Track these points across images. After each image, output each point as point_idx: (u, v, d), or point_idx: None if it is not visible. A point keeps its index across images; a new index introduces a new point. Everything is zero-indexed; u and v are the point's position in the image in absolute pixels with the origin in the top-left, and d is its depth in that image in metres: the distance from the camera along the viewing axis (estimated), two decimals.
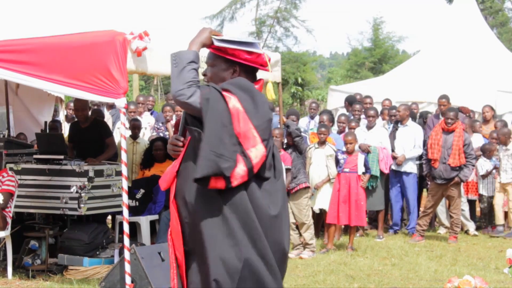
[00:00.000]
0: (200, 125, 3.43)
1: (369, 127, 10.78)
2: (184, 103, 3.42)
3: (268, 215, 3.49)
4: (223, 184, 3.40)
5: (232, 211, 3.44)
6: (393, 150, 10.78)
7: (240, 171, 3.39)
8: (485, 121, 12.30)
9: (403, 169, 10.81)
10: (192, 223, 3.50)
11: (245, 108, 3.42)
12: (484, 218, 11.33)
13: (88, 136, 8.85)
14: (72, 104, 12.47)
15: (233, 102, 3.41)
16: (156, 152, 9.45)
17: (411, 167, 10.85)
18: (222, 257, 3.42)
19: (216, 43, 3.57)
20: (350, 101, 12.55)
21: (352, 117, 11.31)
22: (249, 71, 3.62)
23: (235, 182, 3.40)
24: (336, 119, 11.36)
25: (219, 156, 3.35)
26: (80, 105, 8.97)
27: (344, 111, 12.65)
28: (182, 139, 3.61)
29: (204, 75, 3.70)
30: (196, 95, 3.41)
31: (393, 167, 10.81)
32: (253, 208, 3.45)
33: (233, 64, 3.60)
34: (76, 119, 10.86)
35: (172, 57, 3.54)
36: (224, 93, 3.43)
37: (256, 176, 3.47)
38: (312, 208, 9.72)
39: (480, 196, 11.14)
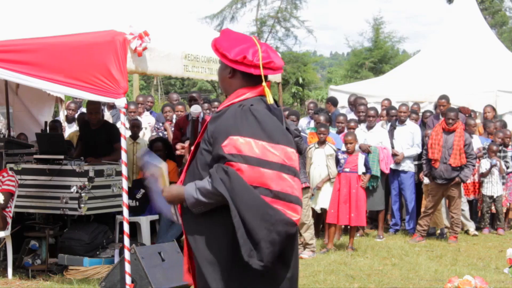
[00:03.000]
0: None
1: (369, 127, 10.80)
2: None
3: None
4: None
5: None
6: (392, 148, 10.81)
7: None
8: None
9: (401, 168, 10.84)
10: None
11: (266, 139, 3.23)
12: (486, 218, 11.32)
13: (97, 138, 8.83)
14: (72, 105, 12.50)
15: (250, 151, 3.20)
16: (156, 153, 9.44)
17: (409, 166, 10.88)
18: None
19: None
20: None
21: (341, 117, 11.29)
22: (247, 74, 3.39)
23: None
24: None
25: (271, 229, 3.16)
26: (93, 108, 8.96)
27: (346, 110, 12.67)
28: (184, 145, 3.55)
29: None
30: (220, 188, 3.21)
31: (392, 166, 10.82)
32: None
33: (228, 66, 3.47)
34: (74, 119, 10.89)
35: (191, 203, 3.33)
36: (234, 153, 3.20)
37: None
38: (313, 208, 9.73)
39: (483, 196, 11.16)
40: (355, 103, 12.30)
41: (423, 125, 11.63)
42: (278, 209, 3.17)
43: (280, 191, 3.19)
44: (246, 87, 3.40)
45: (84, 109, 12.11)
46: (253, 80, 3.40)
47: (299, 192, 3.23)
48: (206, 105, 11.39)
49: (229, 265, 3.26)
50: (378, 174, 10.45)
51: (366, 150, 10.24)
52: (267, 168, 3.20)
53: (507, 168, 11.22)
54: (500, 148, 11.20)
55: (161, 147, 9.45)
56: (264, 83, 3.36)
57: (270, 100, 3.36)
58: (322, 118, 10.32)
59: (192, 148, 3.50)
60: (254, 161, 3.19)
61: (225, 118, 3.30)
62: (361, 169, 9.47)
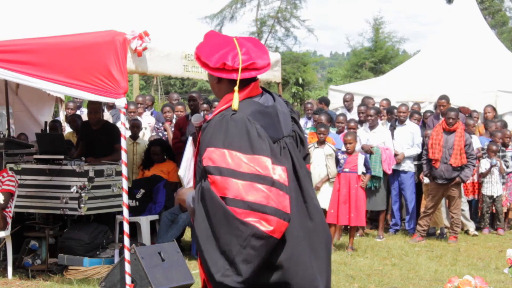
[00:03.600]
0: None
1: (372, 127, 10.77)
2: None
3: None
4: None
5: None
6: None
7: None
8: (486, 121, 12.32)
9: (401, 168, 10.84)
10: None
11: (241, 150, 3.18)
12: (486, 218, 11.32)
13: (98, 138, 8.83)
14: (71, 104, 12.50)
15: (222, 161, 3.16)
16: (154, 156, 9.46)
17: (409, 166, 10.88)
18: None
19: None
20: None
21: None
22: (232, 79, 3.34)
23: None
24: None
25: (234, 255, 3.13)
26: (93, 108, 8.95)
27: (344, 111, 12.68)
28: None
29: None
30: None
31: (392, 166, 10.81)
32: None
33: None
34: (74, 119, 10.89)
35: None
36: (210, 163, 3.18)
37: None
38: None
39: (483, 196, 11.16)
40: (362, 102, 12.27)
41: (423, 125, 11.63)
42: (249, 222, 3.10)
43: (253, 202, 3.12)
44: (232, 92, 3.34)
45: (84, 109, 12.12)
46: (240, 84, 3.33)
47: (277, 202, 3.13)
48: (205, 105, 11.40)
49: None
50: (381, 175, 10.43)
51: (369, 151, 10.24)
52: (240, 179, 3.14)
53: (507, 167, 11.23)
54: (499, 148, 11.20)
55: (159, 151, 9.46)
56: (236, 88, 3.27)
57: (234, 105, 3.28)
58: (323, 118, 10.32)
59: (194, 159, 3.49)
60: (227, 172, 3.15)
61: (207, 130, 3.28)
62: (361, 169, 9.47)
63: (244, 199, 3.11)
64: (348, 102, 12.79)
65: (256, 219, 3.10)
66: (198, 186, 3.24)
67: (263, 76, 8.97)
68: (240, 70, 3.29)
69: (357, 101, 12.90)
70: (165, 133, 10.96)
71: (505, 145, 11.40)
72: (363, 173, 9.54)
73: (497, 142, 11.16)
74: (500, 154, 11.18)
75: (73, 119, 10.85)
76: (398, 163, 10.81)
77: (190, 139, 3.52)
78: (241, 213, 3.10)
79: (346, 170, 9.43)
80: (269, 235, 3.11)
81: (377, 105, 12.38)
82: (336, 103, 14.43)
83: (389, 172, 10.64)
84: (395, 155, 10.79)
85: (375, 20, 34.63)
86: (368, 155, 9.99)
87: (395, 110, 11.36)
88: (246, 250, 3.10)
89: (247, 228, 3.10)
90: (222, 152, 3.17)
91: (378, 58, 33.15)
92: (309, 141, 10.24)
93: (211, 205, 3.14)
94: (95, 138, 8.87)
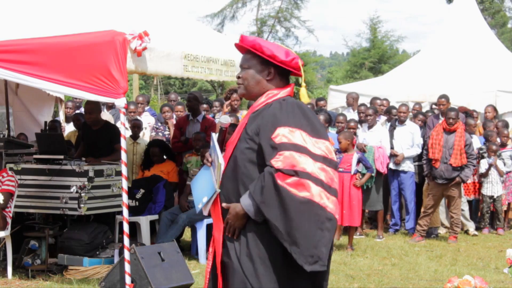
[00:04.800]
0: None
1: (370, 126, 10.78)
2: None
3: None
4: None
5: None
6: (392, 148, 10.78)
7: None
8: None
9: (401, 168, 10.83)
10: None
11: (309, 132, 3.39)
12: (486, 218, 11.31)
13: (98, 138, 8.82)
14: (70, 104, 12.50)
15: (298, 139, 3.34)
16: (154, 157, 9.47)
17: (408, 166, 10.87)
18: None
19: None
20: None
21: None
22: (283, 74, 3.61)
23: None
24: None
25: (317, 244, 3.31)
26: (88, 108, 8.94)
27: (346, 110, 12.67)
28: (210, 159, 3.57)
29: (238, 77, 3.66)
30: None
31: (391, 166, 10.81)
32: None
33: (268, 65, 3.56)
34: (78, 118, 10.89)
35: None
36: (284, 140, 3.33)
37: None
38: None
39: (483, 196, 11.15)
40: (370, 103, 12.24)
41: (424, 124, 11.61)
42: (321, 205, 3.30)
43: (325, 182, 3.36)
44: (277, 88, 3.59)
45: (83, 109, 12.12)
46: (285, 82, 3.63)
47: (337, 184, 3.42)
48: (205, 105, 11.41)
49: (280, 265, 3.33)
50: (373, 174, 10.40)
51: (362, 150, 10.25)
52: (313, 158, 3.34)
53: (504, 165, 11.21)
54: (498, 147, 11.18)
55: (158, 152, 9.48)
56: (303, 83, 3.62)
57: (305, 99, 3.66)
58: (322, 118, 10.32)
59: (224, 154, 3.53)
60: (304, 150, 3.33)
61: (270, 113, 3.44)
62: (354, 169, 9.46)
63: (318, 177, 3.33)
64: (348, 100, 12.72)
65: (323, 200, 3.33)
66: (262, 178, 3.30)
67: None
68: (302, 68, 3.59)
69: (359, 101, 12.86)
70: (166, 132, 10.96)
71: (503, 145, 11.40)
72: (357, 171, 9.52)
73: (494, 141, 11.14)
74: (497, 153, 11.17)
75: (76, 118, 10.83)
76: (398, 163, 10.80)
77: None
78: (317, 191, 3.31)
79: (340, 169, 9.44)
80: (334, 216, 3.37)
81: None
82: (336, 103, 14.44)
83: (382, 171, 10.56)
84: (394, 155, 10.77)
85: (371, 20, 34.66)
86: (362, 154, 9.97)
87: (395, 110, 11.35)
88: (323, 232, 3.30)
89: (323, 211, 3.32)
90: (296, 131, 3.36)
91: (375, 58, 33.15)
92: None
93: (286, 194, 3.27)
94: (95, 138, 8.86)
